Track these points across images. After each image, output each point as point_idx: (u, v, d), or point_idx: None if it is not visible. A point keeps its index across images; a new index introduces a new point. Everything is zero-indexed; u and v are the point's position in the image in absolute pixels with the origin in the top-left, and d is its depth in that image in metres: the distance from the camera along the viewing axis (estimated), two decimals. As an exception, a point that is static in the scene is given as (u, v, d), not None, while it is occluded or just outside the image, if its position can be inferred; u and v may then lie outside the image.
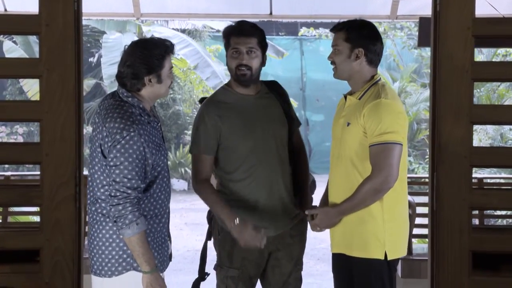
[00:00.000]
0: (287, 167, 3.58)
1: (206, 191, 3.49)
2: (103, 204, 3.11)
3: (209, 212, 3.65)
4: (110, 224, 3.09)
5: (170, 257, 3.35)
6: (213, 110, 3.50)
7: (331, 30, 3.41)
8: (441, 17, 3.52)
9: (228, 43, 3.51)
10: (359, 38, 3.29)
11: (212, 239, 3.62)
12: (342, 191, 3.31)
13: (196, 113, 3.82)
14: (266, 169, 3.49)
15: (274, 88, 3.66)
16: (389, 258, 3.24)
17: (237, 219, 3.30)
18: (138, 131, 3.02)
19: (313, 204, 3.61)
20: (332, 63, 3.37)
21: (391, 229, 3.25)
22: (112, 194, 2.99)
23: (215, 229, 3.60)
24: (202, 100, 3.70)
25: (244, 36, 3.45)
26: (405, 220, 3.34)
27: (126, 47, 3.18)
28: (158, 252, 3.19)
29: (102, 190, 3.11)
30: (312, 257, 8.30)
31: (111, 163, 3.01)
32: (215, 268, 3.57)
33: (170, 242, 3.36)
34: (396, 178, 3.14)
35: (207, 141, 3.48)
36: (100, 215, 3.12)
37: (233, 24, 3.56)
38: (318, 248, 8.71)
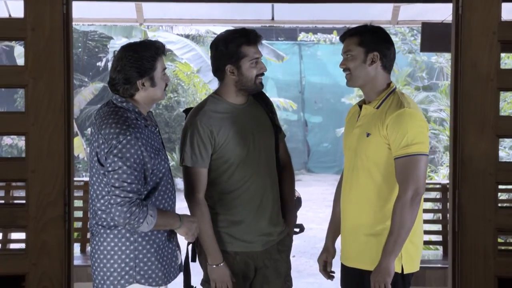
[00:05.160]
0: (275, 179, 3.27)
1: (203, 218, 3.12)
2: (103, 216, 2.84)
3: None
4: (112, 236, 2.84)
5: (180, 268, 3.09)
6: (206, 120, 3.11)
7: (341, 37, 3.08)
8: (464, 21, 3.11)
9: (240, 52, 3.08)
10: (373, 41, 2.99)
11: (197, 255, 3.28)
12: (359, 207, 3.01)
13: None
14: (257, 180, 3.16)
15: (260, 97, 3.30)
16: (405, 272, 2.98)
17: (222, 263, 3.13)
18: (135, 134, 2.77)
19: (298, 222, 3.39)
20: (345, 70, 3.04)
21: (409, 243, 2.96)
22: (112, 201, 2.72)
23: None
24: (187, 111, 3.30)
25: (257, 44, 3.12)
26: (420, 234, 3.06)
27: (116, 52, 2.90)
28: (162, 264, 2.91)
29: (102, 201, 2.83)
30: (312, 256, 8.00)
31: (109, 169, 2.75)
32: (202, 284, 3.28)
33: (180, 252, 3.09)
34: (423, 189, 2.91)
35: (202, 153, 3.11)
36: (100, 227, 2.86)
37: (235, 33, 3.12)
38: (318, 247, 8.36)
